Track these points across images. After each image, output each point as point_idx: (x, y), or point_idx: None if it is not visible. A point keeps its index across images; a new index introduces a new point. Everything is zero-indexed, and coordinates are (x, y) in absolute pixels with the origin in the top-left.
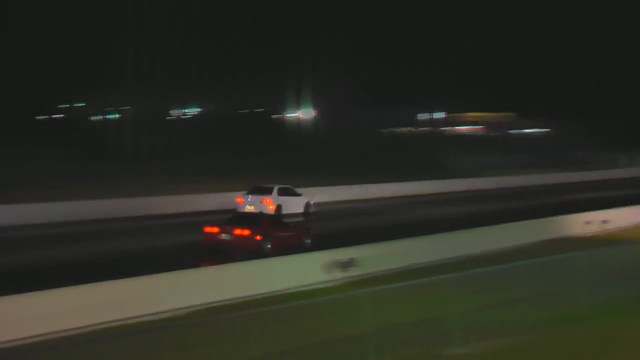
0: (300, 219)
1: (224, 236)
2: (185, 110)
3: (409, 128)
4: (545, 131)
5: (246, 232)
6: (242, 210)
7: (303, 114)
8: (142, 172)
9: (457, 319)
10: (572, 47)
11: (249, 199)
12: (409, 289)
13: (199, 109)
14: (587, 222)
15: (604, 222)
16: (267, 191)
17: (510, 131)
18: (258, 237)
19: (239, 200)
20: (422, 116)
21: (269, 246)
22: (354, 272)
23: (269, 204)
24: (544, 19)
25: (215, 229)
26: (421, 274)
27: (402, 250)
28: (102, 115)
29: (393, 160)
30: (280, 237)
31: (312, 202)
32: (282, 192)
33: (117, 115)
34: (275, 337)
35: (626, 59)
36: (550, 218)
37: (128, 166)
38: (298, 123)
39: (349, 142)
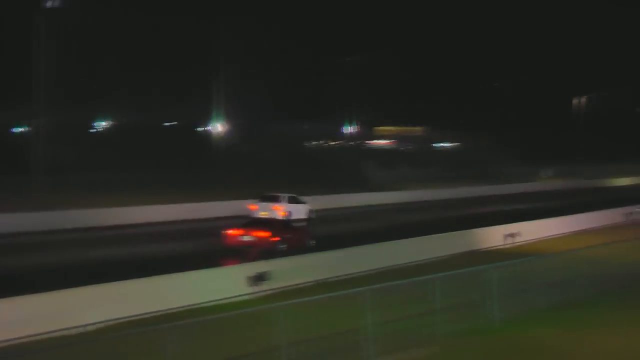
0: (304, 223)
1: (245, 238)
2: (101, 124)
3: (323, 142)
4: (457, 145)
5: (265, 234)
6: (255, 215)
7: (217, 127)
8: (50, 186)
9: (372, 331)
10: (483, 62)
11: (262, 206)
12: (323, 302)
13: (114, 122)
14: (499, 235)
15: (516, 235)
16: (277, 199)
17: (423, 145)
18: (275, 239)
19: (252, 207)
20: (336, 130)
21: (282, 246)
22: (270, 286)
23: (279, 211)
24: (452, 33)
25: (237, 232)
26: (336, 287)
27: (318, 264)
28: (15, 127)
29: (306, 173)
30: (292, 238)
31: (313, 209)
32: (290, 200)
33: (29, 128)
34: (190, 350)
35: (537, 74)
36: (463, 231)
37: (36, 180)
38: (213, 137)
39: (263, 155)
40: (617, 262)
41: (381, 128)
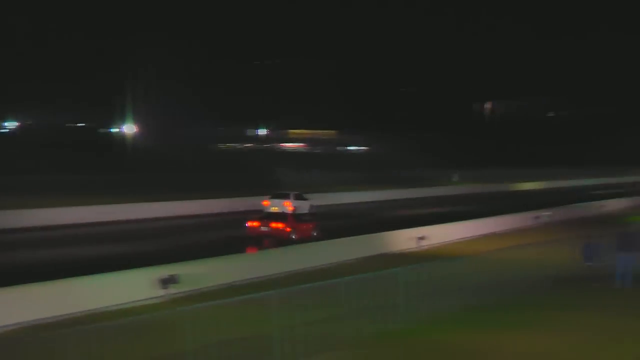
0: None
1: (263, 228)
2: (5, 124)
3: (236, 144)
4: (368, 148)
5: (280, 225)
6: (268, 210)
7: (128, 129)
8: None
9: (282, 335)
10: (394, 67)
11: (274, 202)
12: (232, 306)
13: (22, 123)
14: (410, 238)
15: (427, 238)
16: (286, 196)
17: (334, 148)
18: (288, 229)
19: (265, 203)
20: (248, 133)
21: (294, 236)
22: (180, 289)
23: (288, 206)
24: (363, 40)
25: (256, 223)
26: (245, 291)
27: (227, 267)
28: None
29: (218, 175)
30: (301, 229)
31: (315, 205)
32: (296, 197)
33: None
34: (92, 357)
35: (448, 80)
36: (374, 234)
37: None
38: (123, 138)
39: (175, 157)
40: (526, 264)
41: (294, 131)
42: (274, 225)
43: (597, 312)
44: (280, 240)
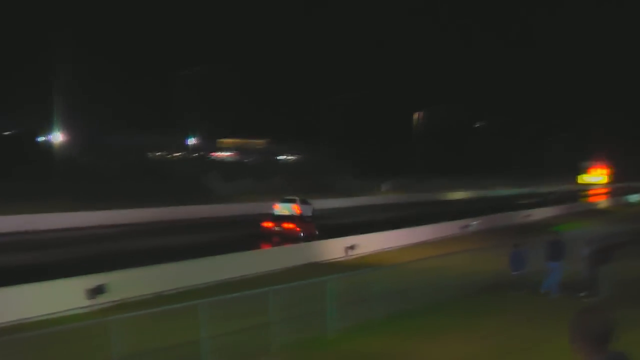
0: (310, 219)
1: (277, 228)
2: None
3: (166, 153)
4: (299, 157)
5: (291, 225)
6: (277, 213)
7: (56, 137)
8: None
9: (211, 344)
10: (324, 76)
11: (283, 206)
12: (161, 315)
13: None
14: (339, 247)
15: (356, 247)
16: (294, 201)
17: (265, 157)
18: (298, 229)
19: (276, 206)
20: (180, 142)
21: (302, 234)
22: (108, 298)
23: (296, 209)
24: (293, 48)
25: (270, 224)
26: (176, 299)
27: (159, 275)
28: None
29: (147, 184)
30: (307, 228)
31: (315, 209)
32: (302, 202)
33: None
34: None
35: (377, 89)
36: (304, 244)
37: None
38: (50, 146)
39: (101, 166)
40: (454, 272)
41: (224, 140)
42: (285, 225)
43: (519, 320)
44: (291, 238)
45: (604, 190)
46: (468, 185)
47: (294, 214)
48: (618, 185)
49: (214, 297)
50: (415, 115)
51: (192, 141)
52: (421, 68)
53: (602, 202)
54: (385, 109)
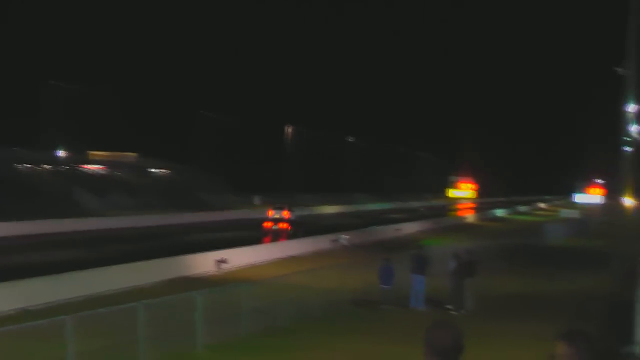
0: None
1: (274, 227)
2: None
3: (33, 165)
4: (169, 172)
5: (285, 225)
6: (272, 216)
7: None
8: None
9: None
10: (192, 90)
11: (276, 211)
12: (23, 332)
13: None
14: (209, 262)
15: (226, 261)
16: (284, 208)
17: (135, 171)
18: (289, 227)
19: (270, 212)
20: (48, 155)
21: (292, 231)
22: None
23: (285, 214)
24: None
25: (270, 224)
26: (43, 315)
27: (24, 291)
28: None
29: (13, 198)
30: (294, 228)
31: (297, 214)
32: (289, 208)
33: None
34: None
35: (250, 106)
36: (173, 258)
37: None
38: None
39: None
40: (323, 287)
41: (94, 153)
42: (280, 225)
43: (385, 334)
44: (286, 233)
45: (471, 205)
46: (339, 201)
47: (284, 218)
48: (484, 200)
49: (81, 312)
50: (288, 132)
51: (61, 154)
52: (294, 86)
53: (469, 216)
54: (259, 125)
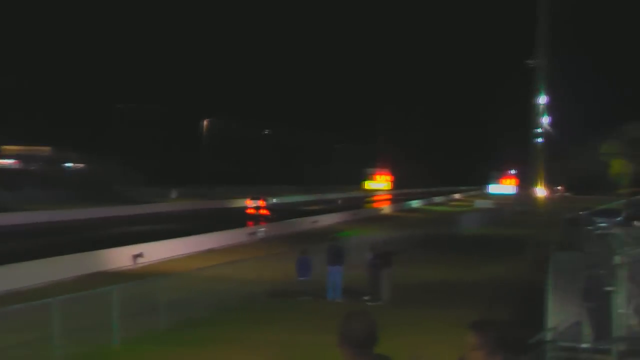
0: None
1: (256, 213)
2: None
3: None
4: (84, 166)
5: (266, 212)
6: (252, 205)
7: None
8: None
9: None
10: (109, 84)
11: (254, 201)
12: None
13: None
14: (126, 256)
15: (143, 255)
16: (260, 198)
17: (50, 165)
18: (269, 213)
19: (248, 201)
20: None
21: (271, 216)
22: None
23: (261, 203)
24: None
25: (253, 210)
26: None
27: None
28: None
29: None
30: (272, 213)
31: (273, 202)
32: (264, 199)
33: None
34: None
35: (165, 98)
36: (89, 252)
37: None
38: None
39: None
40: (241, 279)
41: (6, 147)
42: (261, 211)
43: (303, 326)
44: (266, 218)
45: (387, 197)
46: (256, 193)
47: (261, 206)
48: (401, 191)
49: None
50: (205, 124)
51: None
52: (210, 78)
53: (386, 208)
54: (176, 118)
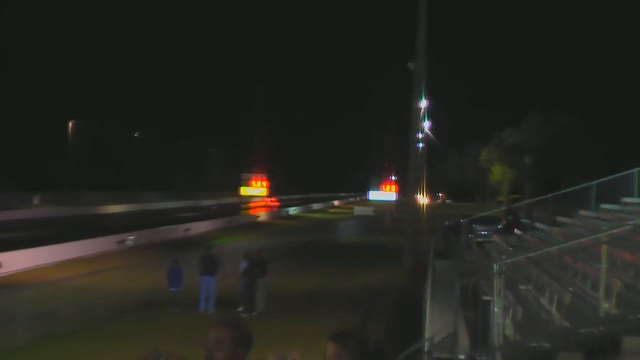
0: None
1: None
2: None
3: None
4: None
5: None
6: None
7: None
8: None
9: None
10: None
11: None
12: None
13: None
14: None
15: (1, 265)
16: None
17: None
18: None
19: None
20: None
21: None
22: None
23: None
24: None
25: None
26: None
27: None
28: None
29: None
30: None
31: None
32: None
33: None
34: None
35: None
36: None
37: None
38: None
39: None
40: (107, 290)
41: None
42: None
43: (172, 339)
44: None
45: (264, 203)
46: (126, 199)
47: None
48: (278, 197)
49: None
50: (70, 127)
51: None
52: (76, 78)
53: (262, 214)
54: (38, 119)
